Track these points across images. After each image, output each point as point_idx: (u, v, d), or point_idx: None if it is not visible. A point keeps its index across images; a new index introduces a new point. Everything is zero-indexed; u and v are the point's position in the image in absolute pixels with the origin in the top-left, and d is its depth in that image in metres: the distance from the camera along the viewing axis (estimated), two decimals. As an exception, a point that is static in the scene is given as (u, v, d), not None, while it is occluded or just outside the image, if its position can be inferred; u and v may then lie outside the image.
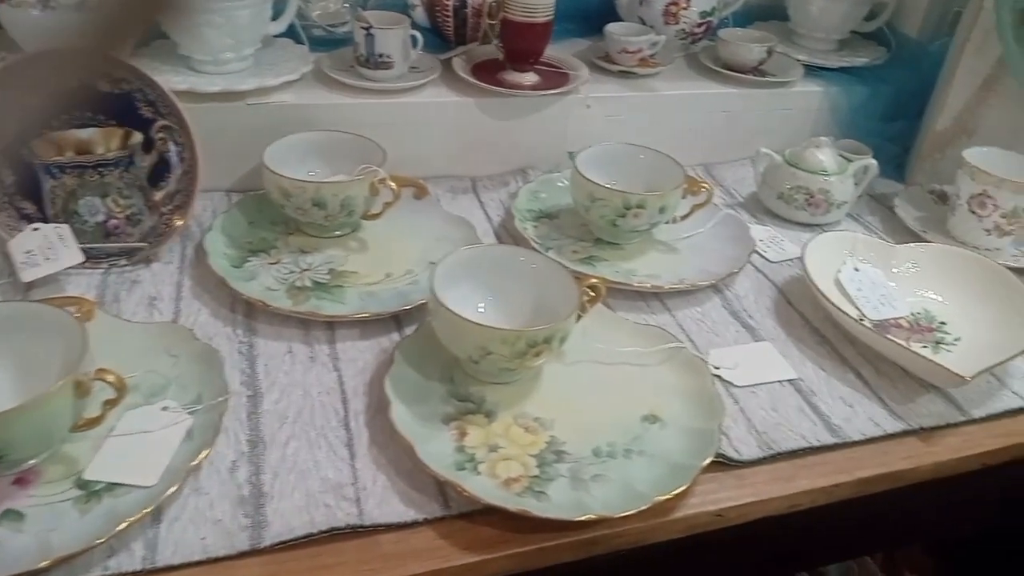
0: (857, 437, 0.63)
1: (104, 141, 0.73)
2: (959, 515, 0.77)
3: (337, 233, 0.80)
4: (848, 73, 1.06)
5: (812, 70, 1.06)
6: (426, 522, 0.54)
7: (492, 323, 0.61)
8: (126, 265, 0.75)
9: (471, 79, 0.91)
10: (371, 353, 0.67)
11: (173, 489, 0.52)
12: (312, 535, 0.52)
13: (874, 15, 1.10)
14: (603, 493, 0.55)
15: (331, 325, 0.70)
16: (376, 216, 0.79)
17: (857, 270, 0.80)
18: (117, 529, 0.49)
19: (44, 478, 0.53)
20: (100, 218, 0.74)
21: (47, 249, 0.71)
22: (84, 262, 0.71)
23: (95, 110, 0.73)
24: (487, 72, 0.94)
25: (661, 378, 0.66)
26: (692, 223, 0.85)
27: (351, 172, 0.78)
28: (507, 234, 0.85)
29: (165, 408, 0.59)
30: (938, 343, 0.73)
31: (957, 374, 0.63)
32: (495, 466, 0.57)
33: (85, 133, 0.73)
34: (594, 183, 0.78)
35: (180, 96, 0.80)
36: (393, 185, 0.76)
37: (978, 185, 0.85)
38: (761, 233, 0.90)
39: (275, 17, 0.87)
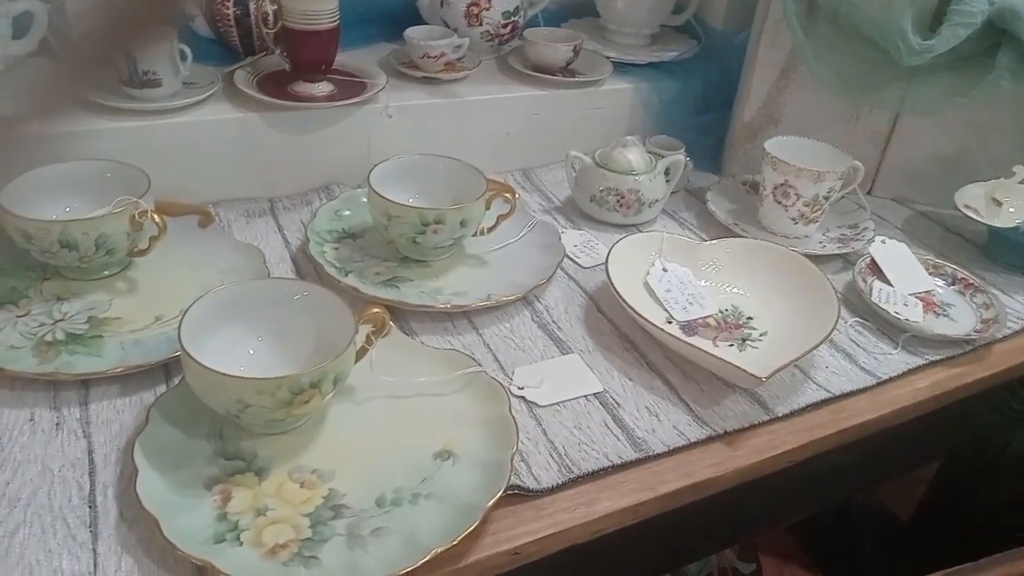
0: (660, 449, 0.61)
1: None
2: (779, 507, 0.77)
3: (105, 274, 0.72)
4: (658, 68, 1.06)
5: (622, 67, 1.05)
6: (177, 610, 0.47)
7: (252, 371, 0.55)
8: None
9: (254, 93, 0.84)
10: (131, 412, 0.59)
11: None
12: (30, 646, 0.44)
13: (681, 8, 1.11)
14: (382, 549, 0.50)
15: (85, 383, 0.61)
16: (144, 252, 0.71)
17: (666, 270, 0.78)
18: None
19: None
20: None
21: None
22: None
23: None
24: (276, 84, 0.87)
25: (459, 407, 0.62)
26: (502, 233, 0.81)
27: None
28: (306, 259, 0.78)
29: None
30: (744, 340, 0.73)
31: (752, 375, 0.62)
32: (261, 532, 0.51)
33: None
34: (387, 200, 0.73)
35: None
36: (156, 217, 0.68)
37: (779, 175, 0.86)
38: (575, 238, 0.87)
39: (18, 36, 0.77)
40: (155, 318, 0.67)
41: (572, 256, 0.84)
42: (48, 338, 0.64)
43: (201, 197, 0.82)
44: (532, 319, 0.74)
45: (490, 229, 0.80)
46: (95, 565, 0.48)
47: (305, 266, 0.78)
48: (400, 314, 0.72)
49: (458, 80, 0.96)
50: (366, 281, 0.74)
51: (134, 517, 0.51)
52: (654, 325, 0.68)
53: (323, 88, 0.87)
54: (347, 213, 0.83)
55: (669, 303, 0.75)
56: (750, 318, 0.76)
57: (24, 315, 0.66)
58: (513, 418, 0.59)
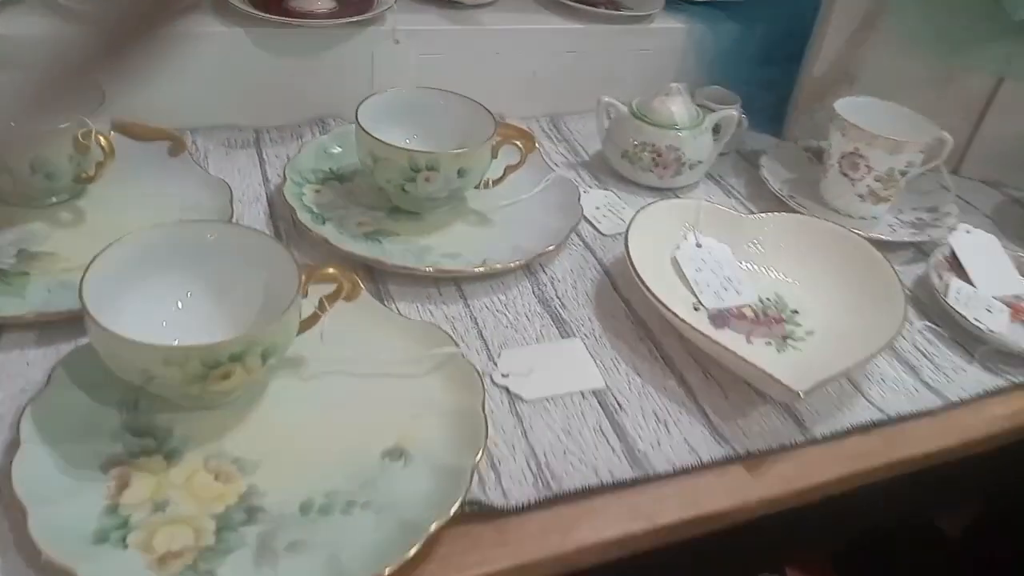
0: (664, 469, 0.50)
1: None
2: (808, 536, 0.65)
3: (53, 200, 0.63)
4: (717, 7, 0.91)
5: (676, 3, 0.90)
6: (37, 621, 0.39)
7: (175, 330, 0.45)
8: None
9: (244, 6, 0.73)
10: (43, 367, 0.50)
11: None
12: None
13: (753, -60, 0.95)
14: (295, 570, 0.41)
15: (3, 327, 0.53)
16: (90, 180, 0.61)
17: (699, 246, 0.66)
18: None
19: None
20: None
21: None
22: None
23: None
24: (271, -3, 0.76)
25: (424, 394, 0.51)
26: (513, 187, 0.70)
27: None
28: (283, 200, 0.68)
29: None
30: (785, 338, 0.60)
31: (789, 387, 0.50)
32: (154, 534, 0.41)
33: None
34: (373, 138, 0.62)
35: None
36: (103, 140, 0.59)
37: (849, 142, 0.72)
38: (599, 199, 0.75)
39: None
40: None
41: (592, 220, 0.72)
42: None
43: (178, 122, 0.72)
44: (533, 292, 0.63)
45: (496, 182, 0.68)
46: (-41, 552, 0.40)
47: (281, 209, 0.68)
48: (378, 274, 0.61)
49: (482, 6, 0.83)
50: (344, 232, 0.63)
51: (11, 500, 0.42)
52: (673, 313, 0.56)
53: (324, 3, 0.76)
54: (337, 151, 0.72)
55: (699, 286, 0.63)
56: (795, 312, 0.63)
57: (-53, 244, 0.58)
58: (485, 415, 0.49)
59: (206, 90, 0.74)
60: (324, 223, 0.64)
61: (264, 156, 0.74)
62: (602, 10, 0.86)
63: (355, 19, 0.74)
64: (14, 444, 0.45)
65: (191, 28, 0.71)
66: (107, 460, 0.45)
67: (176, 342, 0.47)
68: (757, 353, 0.58)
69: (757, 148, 0.87)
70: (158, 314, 0.49)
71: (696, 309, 0.62)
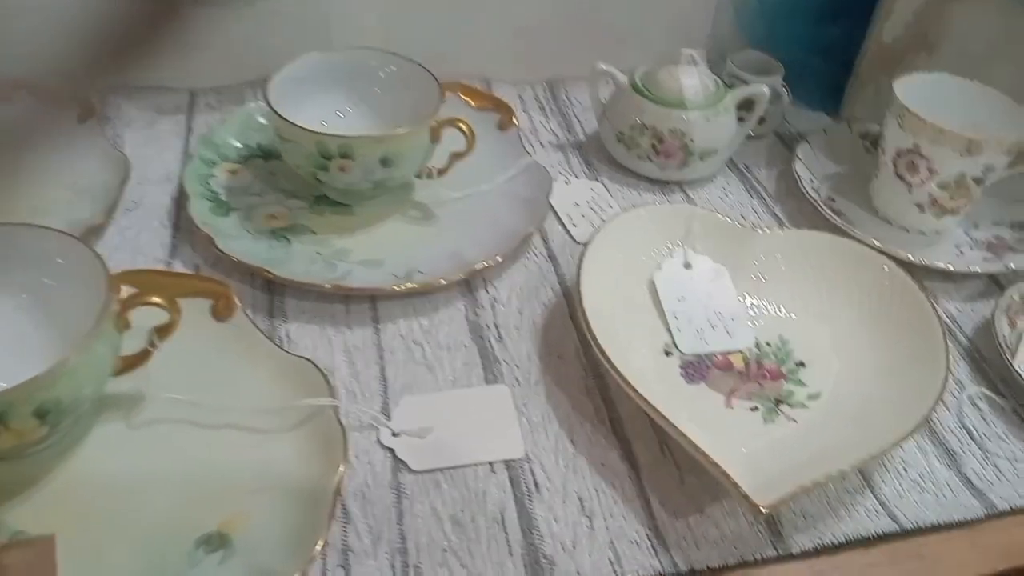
0: (573, 585, 0.38)
1: None
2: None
3: (-73, 173, 0.54)
4: (767, -50, 0.73)
5: (713, -56, 0.73)
6: None
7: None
8: None
9: (165, -58, 0.61)
10: None
11: None
12: None
13: None
14: None
15: None
16: (-47, 152, 0.53)
17: (689, 266, 0.52)
18: None
19: None
20: None
21: None
22: None
23: None
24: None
25: (278, 458, 0.40)
26: (474, 173, 0.57)
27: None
28: (195, 182, 0.58)
29: None
30: (780, 402, 0.46)
31: (749, 497, 0.37)
32: None
33: None
34: (278, 115, 0.50)
35: None
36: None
37: (907, 136, 0.55)
38: (582, 193, 0.61)
39: None
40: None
41: (566, 220, 0.58)
42: None
43: (105, 81, 0.63)
44: (466, 315, 0.50)
45: (442, 172, 0.55)
46: None
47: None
48: (276, 284, 0.50)
49: (467, -56, 0.69)
50: (247, 227, 0.53)
51: None
52: (610, 364, 0.42)
53: (265, -58, 0.64)
54: (266, 122, 0.61)
55: (678, 321, 0.49)
56: (800, 364, 0.48)
57: None
58: (334, 498, 0.37)
59: (132, 42, 0.64)
60: (228, 214, 0.53)
61: (193, 125, 0.64)
62: (620, -49, 0.70)
63: (300, -39, 0.62)
64: None
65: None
66: None
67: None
68: (736, 423, 0.44)
69: (803, 130, 0.70)
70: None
71: (668, 354, 0.48)
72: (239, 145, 0.59)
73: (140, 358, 0.40)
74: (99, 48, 0.63)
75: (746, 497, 0.37)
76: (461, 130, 0.52)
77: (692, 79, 0.60)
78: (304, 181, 0.56)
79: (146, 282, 0.42)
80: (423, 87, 0.55)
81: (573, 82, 0.73)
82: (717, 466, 0.38)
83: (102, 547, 0.36)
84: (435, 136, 0.53)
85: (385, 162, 0.51)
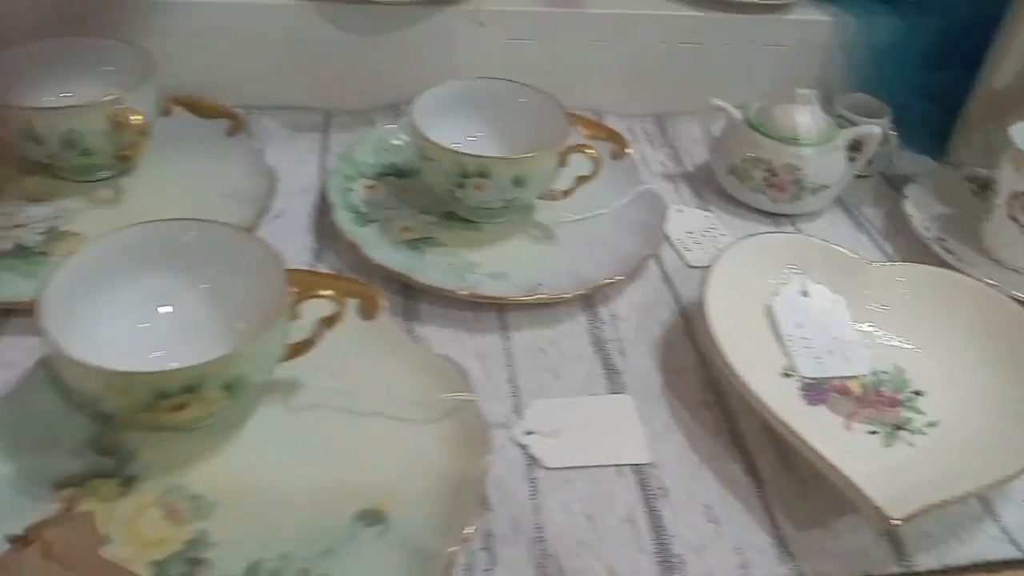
0: (702, 585, 0.39)
1: None
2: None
3: (99, 176, 0.60)
4: (877, -1, 0.76)
5: (823, -9, 0.76)
6: (-63, 661, 0.34)
7: (152, 339, 0.40)
8: None
9: (318, -23, 0.67)
10: (35, 359, 0.47)
11: None
12: None
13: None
14: (217, 652, 0.34)
15: (7, 312, 0.50)
16: (126, 159, 0.58)
17: (806, 294, 0.53)
18: None
19: None
20: None
21: None
22: None
23: None
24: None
25: (423, 447, 0.43)
26: (591, 199, 0.60)
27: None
28: (333, 195, 0.62)
29: None
30: (898, 427, 0.47)
31: (881, 510, 0.38)
32: (79, 578, 0.37)
33: None
34: (423, 136, 0.54)
35: None
36: (135, 118, 0.55)
37: (1023, 180, 0.56)
38: (695, 222, 0.63)
39: None
40: (117, 242, 0.55)
41: (679, 246, 0.61)
42: (-9, 246, 0.53)
43: (249, 99, 0.69)
44: (588, 329, 0.53)
45: (566, 193, 0.59)
46: None
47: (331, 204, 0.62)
48: (412, 290, 0.54)
49: (587, -13, 0.73)
50: (385, 237, 0.57)
51: (-46, 510, 0.39)
52: (742, 381, 0.44)
53: (405, -21, 0.69)
54: (399, 143, 0.65)
55: (796, 346, 0.51)
56: (917, 393, 0.49)
57: (-13, 212, 0.56)
58: (480, 487, 0.40)
59: (274, 67, 0.69)
60: (367, 224, 0.58)
61: (329, 143, 0.69)
62: (731, -4, 0.73)
63: (436, -2, 0.67)
64: (-24, 447, 0.41)
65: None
66: (62, 477, 0.40)
67: (158, 354, 0.42)
68: (856, 444, 0.46)
69: (909, 172, 0.71)
70: (145, 319, 0.44)
71: (787, 376, 0.50)
72: (374, 163, 0.64)
73: (304, 346, 0.44)
74: (247, 70, 0.69)
75: (878, 509, 0.38)
76: (589, 155, 0.56)
77: (806, 117, 0.62)
78: (435, 198, 0.60)
79: (302, 281, 0.46)
80: (549, 115, 0.59)
81: (680, 117, 0.76)
82: (847, 479, 0.39)
83: (268, 515, 0.40)
84: (563, 160, 0.56)
85: (517, 182, 0.54)
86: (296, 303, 0.42)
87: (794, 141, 0.62)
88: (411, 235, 0.58)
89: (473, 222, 0.59)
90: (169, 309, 0.45)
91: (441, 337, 0.51)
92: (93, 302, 0.42)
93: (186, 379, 0.37)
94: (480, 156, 0.53)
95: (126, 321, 0.43)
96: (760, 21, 0.73)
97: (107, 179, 0.60)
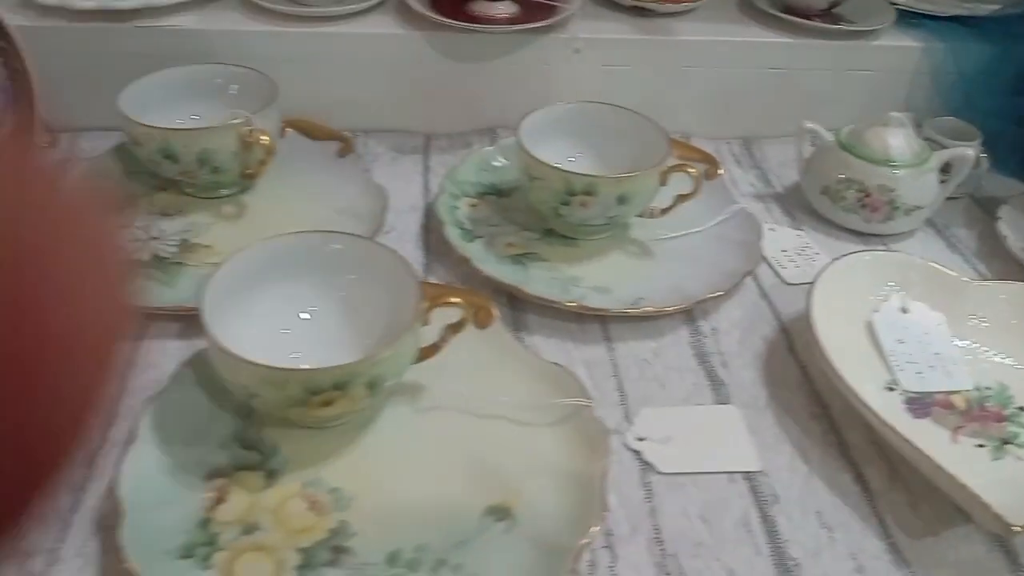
0: (820, 588, 0.40)
1: (-68, 61, 0.60)
2: None
3: (222, 193, 0.64)
4: (965, 25, 0.76)
5: (911, 17, 0.77)
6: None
7: (295, 342, 0.43)
8: (-35, 213, 0.62)
9: (424, 9, 0.71)
10: (179, 359, 0.51)
11: None
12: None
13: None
14: (366, 632, 0.37)
15: (147, 317, 0.54)
16: (251, 177, 0.62)
17: (905, 311, 0.54)
18: None
19: None
20: (-62, 154, 0.62)
21: None
22: None
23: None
24: (451, 0, 0.74)
25: (543, 448, 0.45)
26: (686, 217, 0.62)
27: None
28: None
29: None
30: (1005, 442, 0.48)
31: (1001, 518, 0.39)
32: (236, 559, 0.39)
33: (-91, 50, 0.60)
34: (530, 155, 0.57)
35: (49, 13, 0.66)
36: (265, 139, 0.59)
37: None
38: (788, 240, 0.65)
39: None
40: (245, 254, 0.58)
41: (775, 264, 0.62)
42: (135, 257, 0.58)
43: (351, 122, 0.72)
44: (689, 342, 0.55)
45: (664, 211, 0.61)
46: (61, 542, 0.41)
47: (436, 221, 0.65)
48: (518, 302, 0.56)
49: (678, 14, 0.75)
50: (491, 253, 0.59)
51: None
52: (856, 395, 0.46)
53: (505, 8, 0.72)
54: (500, 164, 0.68)
55: (898, 361, 0.52)
56: (1022, 409, 0.50)
57: (124, 227, 0.61)
58: (604, 489, 0.42)
59: (381, 92, 0.73)
60: (473, 240, 0.61)
61: (429, 164, 0.72)
62: (817, 23, 0.75)
63: (534, 25, 0.70)
64: (132, 438, 0.45)
65: (369, 28, 0.71)
66: (212, 469, 0.43)
67: (295, 356, 0.45)
68: (964, 457, 0.46)
69: (998, 195, 0.71)
70: (285, 324, 0.47)
71: (890, 389, 0.51)
72: (477, 183, 0.67)
73: (432, 350, 0.47)
74: (355, 96, 0.73)
75: (998, 516, 0.39)
76: (690, 174, 0.58)
77: (899, 139, 0.64)
78: (535, 215, 0.63)
79: (426, 291, 0.48)
80: (646, 137, 0.61)
81: (765, 140, 0.78)
82: (965, 487, 0.40)
83: (402, 509, 0.42)
84: (663, 179, 0.58)
85: (621, 200, 0.57)
86: (428, 310, 0.45)
87: (888, 163, 0.63)
88: (514, 250, 0.61)
89: (572, 239, 0.62)
90: (307, 316, 0.48)
91: (548, 347, 0.54)
92: (242, 306, 0.45)
93: (336, 377, 0.40)
94: (587, 175, 0.56)
95: (269, 325, 0.46)
96: (848, 47, 0.75)
97: (229, 196, 0.64)
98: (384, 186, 0.66)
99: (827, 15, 0.76)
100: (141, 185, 0.65)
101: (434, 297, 0.45)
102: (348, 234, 0.48)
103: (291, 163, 0.67)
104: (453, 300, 0.45)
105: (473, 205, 0.65)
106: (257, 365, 0.39)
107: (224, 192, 0.64)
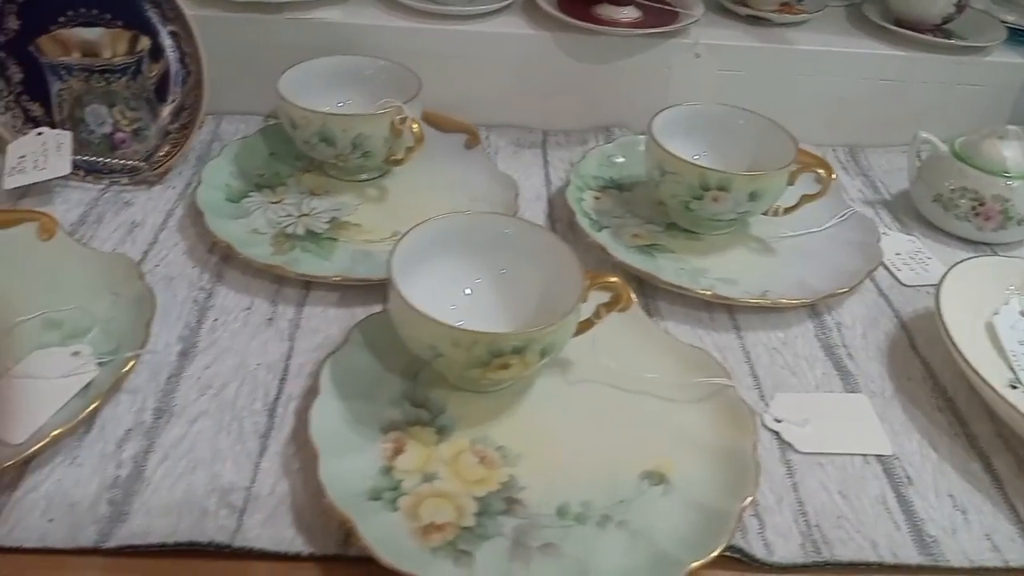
0: (960, 562, 0.43)
1: (111, 44, 0.65)
2: None
3: (362, 177, 0.69)
4: (1077, 43, 0.79)
5: (1020, 34, 0.79)
6: (312, 559, 0.41)
7: (463, 315, 0.47)
8: (127, 184, 0.67)
9: (553, 10, 0.75)
10: (340, 326, 0.55)
11: (38, 451, 0.43)
12: (166, 546, 0.41)
13: None
14: (546, 572, 0.40)
15: (307, 285, 0.58)
16: (399, 162, 0.66)
17: (1025, 314, 0.57)
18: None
19: (-81, 413, 0.46)
20: (106, 129, 0.67)
21: (41, 157, 0.64)
22: (71, 174, 0.64)
23: (100, 7, 0.65)
24: (578, 3, 0.77)
25: (687, 423, 0.49)
26: (802, 218, 0.65)
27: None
28: (563, 203, 0.69)
29: (76, 353, 0.50)
30: None
31: None
32: (420, 504, 0.43)
33: (91, 33, 0.65)
34: (664, 150, 0.61)
35: (208, 3, 0.71)
36: (416, 127, 0.63)
37: None
38: (901, 244, 0.67)
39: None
40: (392, 233, 0.62)
41: (890, 266, 0.65)
42: (289, 230, 0.62)
43: (474, 116, 0.76)
44: (815, 335, 0.58)
45: (788, 210, 0.64)
46: (253, 481, 0.45)
47: (560, 211, 0.69)
48: (649, 289, 0.60)
49: (793, 25, 0.78)
50: (619, 242, 0.63)
51: (304, 441, 0.46)
52: (992, 388, 0.48)
53: (629, 13, 0.76)
54: (620, 160, 0.72)
55: (1020, 361, 0.54)
56: None
57: (277, 202, 0.65)
58: (756, 459, 0.45)
59: (504, 88, 0.77)
60: (600, 230, 0.64)
61: (548, 157, 0.76)
62: (929, 37, 0.77)
63: (659, 30, 0.74)
64: (311, 391, 0.49)
65: (500, 28, 0.75)
66: (387, 423, 0.47)
67: (459, 324, 0.49)
68: (1092, 453, 0.49)
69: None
70: (447, 296, 0.51)
71: (1013, 387, 0.53)
72: (598, 177, 0.70)
73: (586, 325, 0.50)
74: (481, 92, 0.77)
75: None
76: (820, 175, 0.61)
77: (1014, 151, 0.66)
78: (658, 209, 0.66)
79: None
80: (770, 139, 0.64)
81: (871, 149, 0.80)
82: (1104, 477, 0.43)
83: (565, 468, 0.46)
84: (791, 179, 0.61)
85: (752, 197, 0.60)
86: (589, 288, 0.48)
87: (1003, 173, 0.65)
88: (641, 241, 0.64)
89: (695, 232, 0.65)
90: (469, 291, 0.52)
91: (681, 332, 0.57)
92: (415, 276, 0.49)
93: (518, 341, 0.44)
94: (723, 171, 0.59)
95: (437, 294, 0.50)
96: (958, 62, 0.77)
97: (370, 180, 0.69)
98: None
99: (939, 30, 0.79)
100: (286, 167, 0.69)
101: (593, 277, 0.49)
102: (525, 220, 0.52)
103: (422, 152, 0.71)
104: (611, 281, 0.48)
105: (597, 198, 0.68)
106: (451, 327, 0.43)
107: (364, 176, 0.68)
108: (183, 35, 0.65)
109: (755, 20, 0.78)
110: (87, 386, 0.48)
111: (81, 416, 0.45)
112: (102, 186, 0.67)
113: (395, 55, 0.70)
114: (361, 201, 0.66)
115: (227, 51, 0.73)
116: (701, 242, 0.64)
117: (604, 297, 0.50)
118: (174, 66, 0.66)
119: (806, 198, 0.63)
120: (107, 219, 0.63)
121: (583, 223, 0.63)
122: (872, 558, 0.43)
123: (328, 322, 0.56)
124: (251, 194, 0.65)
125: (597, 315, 0.50)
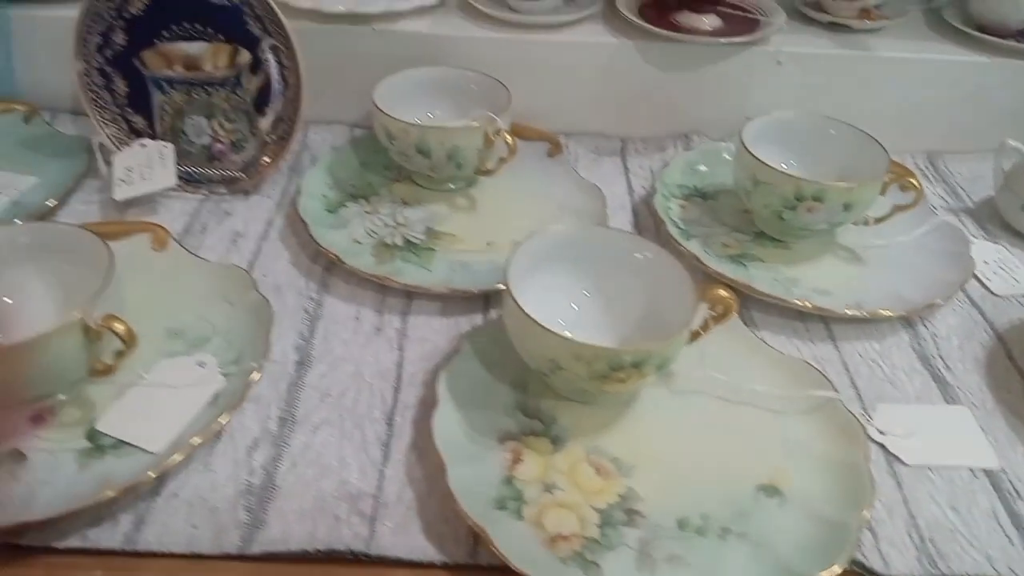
0: (1076, 578, 0.44)
1: (212, 58, 0.67)
2: None
3: (450, 186, 0.70)
4: None
5: (1109, 40, 0.78)
6: (445, 567, 0.43)
7: (573, 329, 0.48)
8: (225, 194, 0.69)
9: (635, 18, 0.75)
10: (446, 336, 0.57)
11: (178, 460, 0.46)
12: (307, 553, 0.43)
13: None
14: (674, 583, 0.42)
15: (410, 295, 0.60)
16: (489, 172, 0.68)
17: (1126, 327, 0.57)
18: (104, 496, 0.43)
19: (60, 420, 0.49)
20: (205, 140, 0.69)
21: (146, 168, 0.67)
22: (178, 186, 0.66)
23: (203, 22, 0.67)
24: (660, 12, 0.78)
25: (796, 435, 0.50)
26: (890, 227, 0.65)
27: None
28: (647, 211, 0.70)
29: (201, 364, 0.52)
30: None
31: None
32: (544, 513, 0.45)
33: (193, 47, 0.67)
34: (760, 161, 0.61)
35: (303, 14, 0.73)
36: (509, 139, 0.64)
37: None
38: (989, 253, 0.67)
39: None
40: (486, 243, 0.64)
41: (980, 276, 0.65)
42: (388, 240, 0.63)
43: (553, 125, 0.77)
44: (911, 346, 0.58)
45: (879, 220, 0.64)
46: (380, 489, 0.46)
47: (645, 219, 0.70)
48: (742, 300, 0.60)
49: (873, 31, 0.78)
50: (710, 252, 0.64)
51: (424, 449, 0.48)
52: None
53: (710, 21, 0.76)
54: (703, 169, 0.73)
55: (1121, 373, 0.54)
56: None
57: (372, 212, 0.67)
58: (870, 471, 0.46)
59: (584, 96, 0.78)
60: (689, 239, 0.65)
61: (628, 165, 0.77)
62: (1012, 43, 0.77)
63: (741, 40, 0.74)
64: (427, 401, 0.51)
65: (582, 37, 0.76)
66: (502, 432, 0.49)
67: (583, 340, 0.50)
68: None
69: None
70: (556, 307, 0.52)
71: (1116, 400, 0.53)
72: (682, 185, 0.71)
73: (692, 337, 0.51)
74: (562, 100, 0.78)
75: None
76: (912, 186, 0.61)
77: (1108, 160, 0.66)
78: (745, 218, 0.67)
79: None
80: (861, 149, 0.64)
81: (950, 156, 0.80)
82: None
83: (680, 477, 0.47)
84: (883, 189, 0.62)
85: (846, 207, 0.60)
86: (700, 302, 0.49)
87: (1097, 183, 0.65)
88: (731, 251, 0.65)
89: (782, 242, 0.66)
90: (576, 306, 0.53)
91: (778, 343, 0.57)
92: (526, 287, 0.50)
93: (637, 356, 0.45)
94: (819, 183, 0.59)
95: (545, 307, 0.51)
96: (1044, 68, 0.76)
97: (457, 189, 0.70)
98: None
99: (1021, 36, 0.78)
100: (378, 176, 0.71)
101: (703, 290, 0.50)
102: (621, 230, 0.53)
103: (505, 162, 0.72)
104: (723, 295, 0.50)
105: (682, 206, 0.69)
106: (574, 342, 0.45)
107: (452, 186, 0.70)
108: (284, 48, 0.66)
109: (836, 27, 0.78)
110: (215, 395, 0.50)
111: (216, 426, 0.47)
112: (201, 196, 0.69)
113: (478, 65, 0.72)
114: (452, 210, 0.68)
115: (315, 62, 0.74)
116: (789, 251, 0.65)
117: (708, 311, 0.51)
118: (274, 78, 0.68)
119: (899, 208, 0.63)
120: (211, 229, 0.66)
121: (673, 232, 0.64)
122: (989, 572, 0.43)
123: (434, 332, 0.57)
124: (347, 204, 0.67)
125: (704, 327, 0.51)
